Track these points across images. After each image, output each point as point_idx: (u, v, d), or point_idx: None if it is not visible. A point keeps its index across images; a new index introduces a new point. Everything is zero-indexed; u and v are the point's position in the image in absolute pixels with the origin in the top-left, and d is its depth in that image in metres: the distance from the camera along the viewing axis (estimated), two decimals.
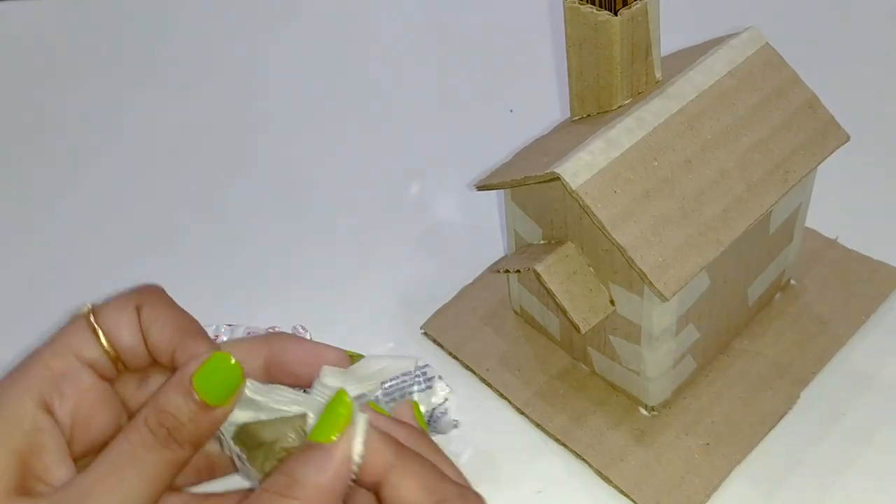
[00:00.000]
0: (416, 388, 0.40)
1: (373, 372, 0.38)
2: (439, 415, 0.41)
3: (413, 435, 0.35)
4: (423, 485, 0.32)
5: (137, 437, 0.32)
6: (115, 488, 0.31)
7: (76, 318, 0.36)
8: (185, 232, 0.68)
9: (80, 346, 0.35)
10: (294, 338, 0.39)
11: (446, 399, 0.41)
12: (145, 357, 0.36)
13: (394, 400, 0.39)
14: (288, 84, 0.81)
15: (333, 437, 0.32)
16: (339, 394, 0.33)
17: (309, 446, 0.32)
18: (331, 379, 0.37)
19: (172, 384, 0.33)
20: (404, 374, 0.39)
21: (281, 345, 0.38)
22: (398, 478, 0.32)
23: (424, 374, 0.40)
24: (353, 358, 0.39)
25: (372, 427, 0.33)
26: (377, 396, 0.38)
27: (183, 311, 0.37)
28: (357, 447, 0.32)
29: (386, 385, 0.38)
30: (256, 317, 0.58)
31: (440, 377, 0.41)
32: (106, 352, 0.35)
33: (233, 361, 0.33)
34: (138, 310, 0.36)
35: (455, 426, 0.42)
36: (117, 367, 0.36)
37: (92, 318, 0.35)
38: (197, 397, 0.32)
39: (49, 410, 0.34)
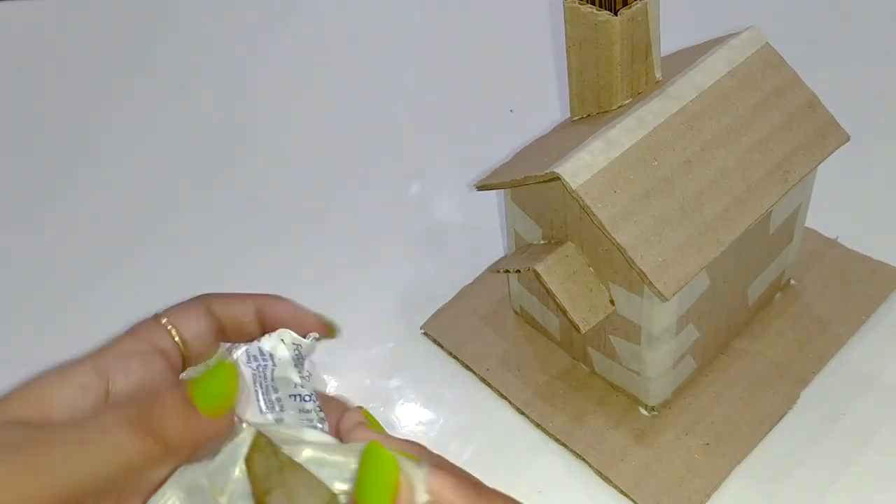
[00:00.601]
0: (290, 370, 0.35)
1: (286, 387, 0.34)
2: (298, 355, 0.37)
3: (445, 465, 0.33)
4: (456, 490, 0.30)
5: (122, 412, 0.31)
6: (80, 448, 0.31)
7: (149, 322, 0.37)
8: (184, 231, 0.68)
9: (153, 336, 0.37)
10: (279, 300, 0.39)
11: (282, 340, 0.36)
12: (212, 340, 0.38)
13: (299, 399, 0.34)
14: (288, 84, 0.81)
15: None
16: (374, 448, 0.29)
17: None
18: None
19: (175, 383, 0.33)
20: (286, 374, 0.35)
21: (268, 305, 0.38)
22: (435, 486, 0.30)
23: (270, 355, 0.36)
24: (329, 329, 0.38)
25: (441, 472, 0.30)
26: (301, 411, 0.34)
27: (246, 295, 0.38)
28: (421, 500, 0.29)
29: (293, 396, 0.34)
30: None
31: (268, 335, 0.36)
32: (175, 343, 0.37)
33: (234, 380, 0.31)
34: (206, 304, 0.38)
35: (317, 339, 0.39)
36: (184, 357, 0.37)
37: (164, 319, 0.37)
38: (188, 395, 0.31)
39: (105, 377, 0.35)
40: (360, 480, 0.30)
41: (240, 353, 0.34)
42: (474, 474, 0.54)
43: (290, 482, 0.31)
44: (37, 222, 0.71)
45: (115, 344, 0.36)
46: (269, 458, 0.31)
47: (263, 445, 0.31)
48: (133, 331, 0.37)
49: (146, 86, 0.82)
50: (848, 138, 0.49)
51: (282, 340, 0.36)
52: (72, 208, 0.71)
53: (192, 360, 0.37)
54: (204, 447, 0.32)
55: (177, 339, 0.37)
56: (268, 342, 0.35)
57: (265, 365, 0.34)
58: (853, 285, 0.57)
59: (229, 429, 0.32)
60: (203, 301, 0.38)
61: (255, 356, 0.35)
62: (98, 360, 0.35)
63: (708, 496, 0.49)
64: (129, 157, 0.75)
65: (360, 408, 0.36)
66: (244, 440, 0.32)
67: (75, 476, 0.30)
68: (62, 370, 0.34)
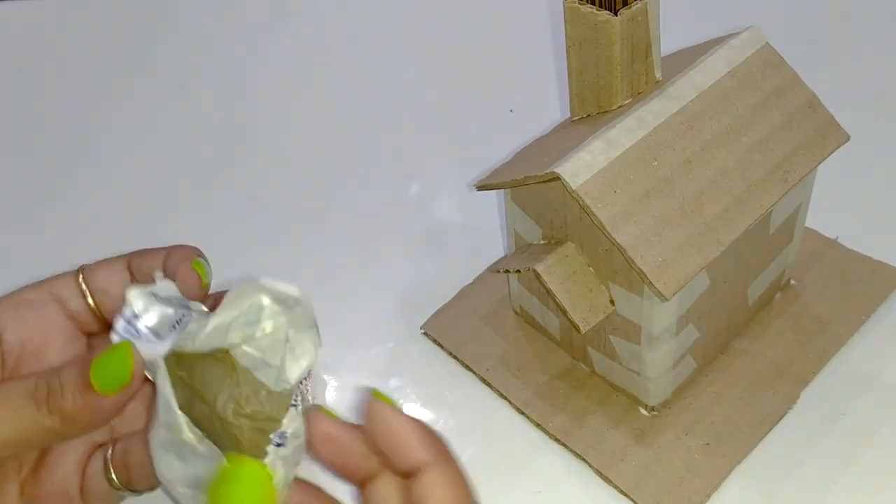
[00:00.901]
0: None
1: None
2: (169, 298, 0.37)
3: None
4: (456, 497, 0.31)
5: (24, 385, 0.32)
6: None
7: (65, 274, 0.37)
8: (184, 231, 0.68)
9: (58, 287, 0.37)
10: (150, 252, 0.38)
11: (138, 294, 0.36)
12: None
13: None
14: (288, 84, 0.81)
15: None
16: (232, 463, 0.31)
17: None
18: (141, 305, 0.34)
19: (76, 358, 0.33)
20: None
21: (140, 261, 0.37)
22: (435, 479, 0.31)
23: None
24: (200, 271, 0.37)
25: (411, 419, 0.32)
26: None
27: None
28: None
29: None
30: None
31: (132, 292, 0.35)
32: (91, 310, 0.37)
33: (130, 360, 0.32)
34: (129, 265, 0.37)
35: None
36: (100, 323, 0.37)
37: (81, 279, 0.37)
38: (88, 376, 0.32)
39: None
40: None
41: (120, 325, 0.34)
42: (474, 474, 0.54)
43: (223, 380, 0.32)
44: (37, 222, 0.71)
45: (16, 292, 0.36)
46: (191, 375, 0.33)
47: (181, 368, 0.33)
48: (42, 281, 0.37)
49: (146, 86, 0.82)
50: (848, 138, 0.49)
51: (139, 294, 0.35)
52: (72, 208, 0.71)
53: (107, 313, 0.37)
54: (103, 422, 0.33)
55: (85, 290, 0.36)
56: (138, 300, 0.35)
57: (138, 322, 0.35)
58: (853, 285, 0.57)
59: (130, 401, 0.33)
60: (126, 257, 0.38)
61: (129, 320, 0.35)
62: None
63: (708, 496, 0.49)
64: (129, 157, 0.75)
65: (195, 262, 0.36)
66: (163, 380, 0.33)
67: None
68: None
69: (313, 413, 0.33)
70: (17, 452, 0.32)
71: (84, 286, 0.37)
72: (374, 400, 0.33)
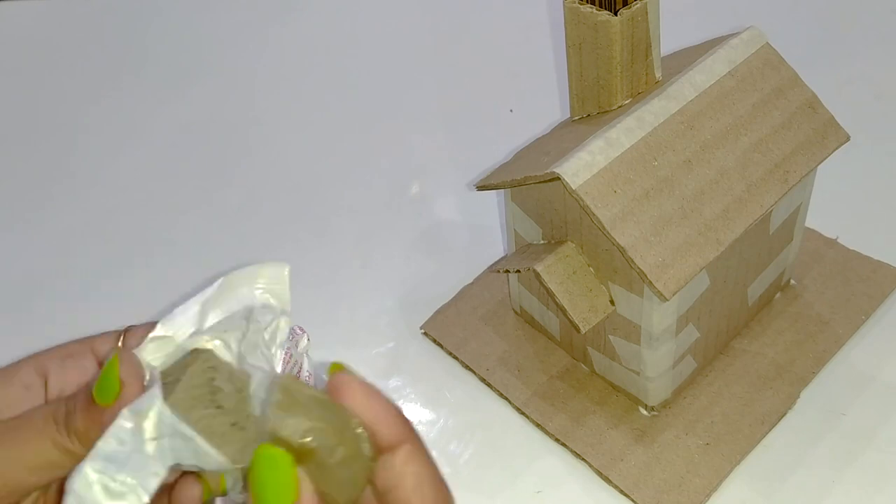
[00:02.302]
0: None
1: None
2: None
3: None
4: (431, 476, 0.31)
5: (47, 408, 0.33)
6: (10, 444, 0.32)
7: (109, 332, 0.38)
8: (184, 231, 0.68)
9: (98, 345, 0.38)
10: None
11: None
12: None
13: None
14: (288, 83, 0.81)
15: None
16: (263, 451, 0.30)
17: None
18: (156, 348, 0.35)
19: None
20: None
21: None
22: (408, 457, 0.31)
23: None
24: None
25: (381, 394, 0.32)
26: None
27: None
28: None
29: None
30: None
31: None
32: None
33: (116, 371, 0.33)
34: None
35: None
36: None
37: (121, 341, 0.38)
38: (92, 394, 0.33)
39: (44, 376, 0.37)
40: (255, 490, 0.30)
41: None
42: (474, 474, 0.54)
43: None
44: (37, 222, 0.71)
45: (64, 346, 0.38)
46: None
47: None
48: (87, 338, 0.38)
49: (146, 86, 0.82)
50: (848, 138, 0.49)
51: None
52: (72, 208, 0.71)
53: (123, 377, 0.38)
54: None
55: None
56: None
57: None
58: (853, 285, 0.57)
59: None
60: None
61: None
62: (40, 359, 0.37)
63: (708, 496, 0.49)
64: (129, 157, 0.75)
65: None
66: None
67: (9, 469, 0.32)
68: (8, 370, 0.36)
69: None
70: (41, 481, 0.34)
71: (121, 343, 0.38)
72: (340, 375, 0.32)
